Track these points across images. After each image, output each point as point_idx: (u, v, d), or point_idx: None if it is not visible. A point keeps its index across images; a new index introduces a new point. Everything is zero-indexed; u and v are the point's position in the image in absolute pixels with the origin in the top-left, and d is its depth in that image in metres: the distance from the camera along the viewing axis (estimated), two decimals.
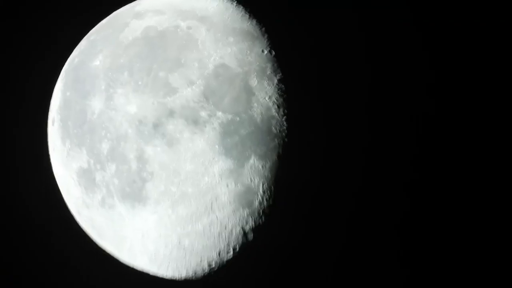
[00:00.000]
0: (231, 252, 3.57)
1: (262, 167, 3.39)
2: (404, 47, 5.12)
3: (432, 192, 5.17)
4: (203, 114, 3.34)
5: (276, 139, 3.41)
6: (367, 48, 4.34)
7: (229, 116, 3.36)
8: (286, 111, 3.46)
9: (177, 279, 3.85)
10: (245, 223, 3.46)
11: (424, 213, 5.17)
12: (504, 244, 5.22)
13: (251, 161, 3.38)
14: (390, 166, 4.48)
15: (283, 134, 3.43)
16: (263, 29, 3.68)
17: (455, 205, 5.21)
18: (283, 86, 3.49)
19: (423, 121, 5.15)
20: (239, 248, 3.55)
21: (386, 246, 4.93)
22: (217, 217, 3.41)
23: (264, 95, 3.43)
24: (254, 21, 3.71)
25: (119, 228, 3.62)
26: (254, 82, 3.44)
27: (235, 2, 3.87)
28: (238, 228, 3.47)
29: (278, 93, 3.47)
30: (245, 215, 3.44)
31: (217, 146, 3.33)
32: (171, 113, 3.37)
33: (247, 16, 3.75)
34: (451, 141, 5.25)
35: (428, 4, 5.42)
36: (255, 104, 3.40)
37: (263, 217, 3.47)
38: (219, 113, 3.35)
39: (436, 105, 5.26)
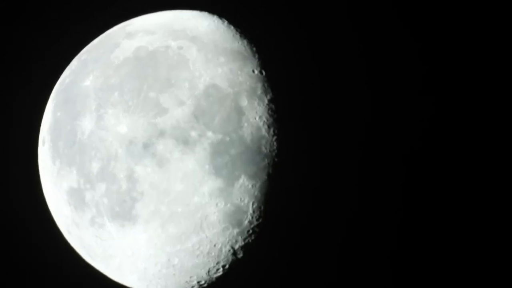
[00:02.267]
0: (221, 270, 3.60)
1: (252, 186, 3.38)
2: (396, 60, 5.19)
3: (428, 197, 5.17)
4: (194, 134, 3.31)
5: (266, 159, 3.39)
6: (358, 68, 4.40)
7: (219, 136, 3.33)
8: (276, 131, 3.45)
9: None
10: (234, 242, 3.46)
11: (421, 220, 5.17)
12: (500, 242, 5.18)
13: (241, 180, 3.36)
14: (383, 188, 4.63)
15: (273, 154, 3.41)
16: (254, 49, 3.68)
17: (451, 205, 5.21)
18: (273, 106, 3.48)
19: (417, 133, 5.21)
20: (229, 266, 3.57)
21: (379, 269, 5.01)
22: (206, 236, 3.39)
23: (255, 115, 3.42)
24: (245, 41, 3.71)
25: (108, 247, 3.61)
26: (244, 102, 3.43)
27: (226, 22, 3.86)
28: (228, 247, 3.47)
29: (268, 113, 3.46)
30: (235, 234, 3.43)
31: (207, 166, 3.30)
32: (161, 133, 3.34)
33: (238, 36, 3.74)
34: (444, 145, 5.26)
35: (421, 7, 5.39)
36: (246, 124, 3.39)
37: (252, 236, 3.47)
38: (210, 133, 3.32)
39: (428, 115, 5.27)
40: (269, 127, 3.41)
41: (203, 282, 3.67)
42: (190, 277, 3.61)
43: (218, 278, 3.66)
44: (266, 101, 3.45)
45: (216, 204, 3.33)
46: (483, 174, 5.32)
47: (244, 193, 3.38)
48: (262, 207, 3.43)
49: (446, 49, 5.49)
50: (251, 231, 3.45)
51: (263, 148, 3.39)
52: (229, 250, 3.48)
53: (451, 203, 5.29)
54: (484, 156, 5.32)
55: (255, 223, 3.44)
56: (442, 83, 5.48)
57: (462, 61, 5.45)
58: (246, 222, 3.42)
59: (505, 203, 5.23)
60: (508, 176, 5.25)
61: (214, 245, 3.43)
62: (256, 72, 3.54)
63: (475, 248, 5.27)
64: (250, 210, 3.41)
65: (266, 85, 3.52)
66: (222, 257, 3.51)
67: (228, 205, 3.35)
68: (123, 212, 3.40)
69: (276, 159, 3.41)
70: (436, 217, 5.30)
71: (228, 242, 3.45)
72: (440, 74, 5.48)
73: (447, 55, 5.48)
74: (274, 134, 3.42)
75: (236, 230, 3.42)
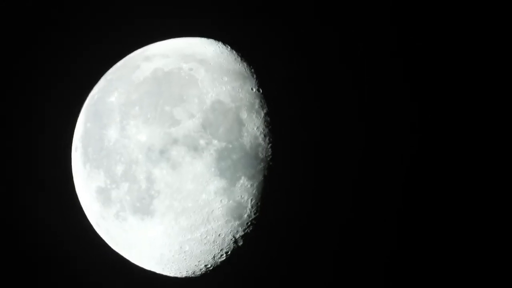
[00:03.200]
0: (224, 256, 3.88)
1: (251, 186, 3.67)
2: (383, 80, 5.17)
3: (424, 197, 5.14)
4: (202, 142, 3.59)
5: (262, 163, 3.69)
6: (344, 83, 4.51)
7: (223, 144, 3.60)
8: (271, 139, 3.73)
9: (179, 277, 4.15)
10: (235, 232, 3.75)
11: (415, 219, 5.14)
12: (495, 241, 5.11)
13: (241, 181, 3.64)
14: (370, 188, 4.78)
15: (268, 159, 3.70)
16: (252, 70, 3.95)
17: (449, 204, 5.15)
18: (268, 118, 3.77)
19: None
20: (231, 253, 3.86)
21: (373, 264, 5.05)
22: (212, 227, 3.69)
23: (253, 126, 3.69)
24: (245, 64, 3.98)
25: (130, 237, 3.91)
26: (244, 115, 3.70)
27: (229, 47, 4.11)
28: (230, 236, 3.77)
29: (264, 124, 3.74)
30: (236, 225, 3.72)
31: (213, 169, 3.58)
32: (175, 141, 3.60)
33: (239, 59, 4.01)
34: (440, 146, 5.21)
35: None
36: (245, 134, 3.66)
37: (251, 227, 3.77)
38: (215, 141, 3.60)
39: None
40: (265, 136, 3.70)
41: (209, 265, 3.91)
42: (199, 261, 3.89)
43: (222, 262, 3.91)
44: (262, 114, 3.75)
45: (221, 201, 3.63)
46: (478, 175, 5.18)
47: (244, 191, 3.66)
48: (259, 203, 3.72)
49: (440, 51, 5.28)
50: (249, 223, 3.75)
51: (260, 154, 3.68)
52: (231, 239, 3.79)
53: (449, 203, 5.18)
54: (478, 156, 5.19)
55: (253, 216, 3.74)
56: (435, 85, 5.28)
57: (458, 62, 5.24)
58: (245, 216, 3.72)
59: (500, 203, 5.09)
60: (502, 177, 5.10)
61: (219, 235, 3.73)
62: (254, 90, 3.83)
63: (471, 249, 5.14)
64: (249, 206, 3.70)
65: (262, 101, 3.80)
66: (225, 245, 3.80)
67: (231, 201, 3.66)
68: (143, 207, 3.70)
69: (270, 163, 3.71)
70: (433, 217, 5.21)
71: (230, 233, 3.75)
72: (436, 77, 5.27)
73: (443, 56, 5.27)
74: (269, 142, 3.71)
75: (237, 223, 3.72)
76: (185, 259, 3.89)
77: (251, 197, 3.70)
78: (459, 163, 5.22)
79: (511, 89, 5.26)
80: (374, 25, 5.24)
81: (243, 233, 3.78)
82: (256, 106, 3.75)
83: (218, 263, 3.93)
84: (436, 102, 5.29)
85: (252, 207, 3.71)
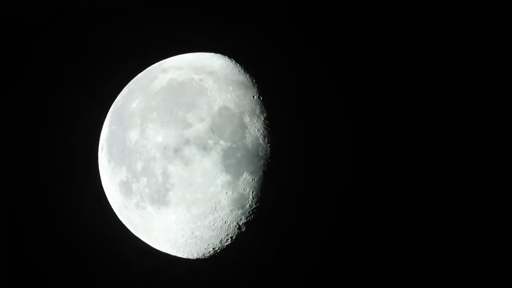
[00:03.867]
0: (229, 240, 4.00)
1: (252, 180, 3.81)
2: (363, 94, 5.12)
3: (421, 198, 5.08)
4: (210, 142, 3.75)
5: (262, 160, 3.83)
6: (327, 96, 4.52)
7: (229, 144, 3.76)
8: (269, 140, 3.87)
9: (190, 258, 4.27)
10: (239, 220, 3.90)
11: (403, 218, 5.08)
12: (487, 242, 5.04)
13: (244, 176, 3.79)
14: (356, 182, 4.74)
15: (267, 156, 3.84)
16: (254, 81, 4.09)
17: (446, 204, 5.08)
18: (268, 122, 3.90)
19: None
20: (235, 237, 3.99)
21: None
22: (219, 216, 3.85)
23: (254, 129, 3.83)
24: (247, 75, 4.12)
25: (149, 224, 4.06)
26: (247, 119, 3.85)
27: (234, 61, 4.26)
28: (234, 223, 3.91)
29: (264, 127, 3.87)
30: (239, 214, 3.87)
31: (219, 165, 3.74)
32: (187, 142, 3.76)
33: (242, 71, 4.15)
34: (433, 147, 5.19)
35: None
36: (248, 135, 3.81)
37: (252, 215, 3.91)
38: (222, 142, 3.75)
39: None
40: (264, 137, 3.84)
41: (217, 248, 4.06)
42: (208, 245, 4.04)
43: (227, 246, 4.03)
44: (262, 119, 3.89)
45: (226, 193, 3.79)
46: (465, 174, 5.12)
47: (246, 184, 3.81)
48: (259, 195, 3.86)
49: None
50: (251, 212, 3.89)
51: (260, 153, 3.83)
52: (235, 226, 3.92)
53: (447, 202, 5.13)
54: (476, 156, 5.14)
55: (254, 206, 3.88)
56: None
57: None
58: (247, 205, 3.86)
59: (487, 204, 5.06)
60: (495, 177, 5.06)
61: (225, 222, 3.88)
62: (255, 97, 3.97)
63: (466, 250, 5.07)
64: (251, 197, 3.84)
65: (262, 107, 3.93)
66: (230, 230, 3.94)
67: (235, 193, 3.80)
68: (159, 198, 3.85)
69: (269, 161, 3.85)
70: (430, 217, 5.14)
71: (234, 220, 3.89)
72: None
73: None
74: (268, 142, 3.85)
75: (240, 211, 3.86)
76: (196, 243, 4.02)
77: (252, 190, 3.83)
78: (458, 163, 5.19)
79: (507, 88, 5.16)
80: (372, 31, 5.16)
81: (245, 220, 3.90)
82: (257, 112, 3.89)
83: (224, 246, 4.04)
84: (435, 102, 5.23)
85: (253, 198, 3.85)
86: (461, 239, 5.15)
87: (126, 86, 4.42)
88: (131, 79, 4.47)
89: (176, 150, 3.76)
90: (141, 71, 4.47)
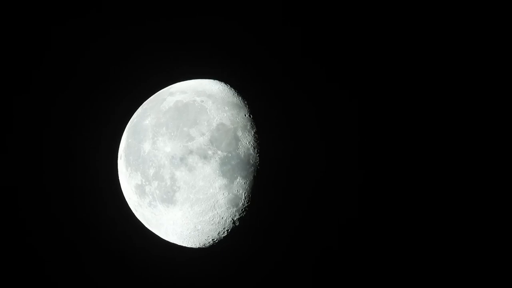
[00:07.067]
0: (226, 232, 4.19)
1: (244, 183, 4.02)
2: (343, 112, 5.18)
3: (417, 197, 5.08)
4: (210, 152, 3.94)
5: (252, 167, 4.04)
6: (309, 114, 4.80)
7: (225, 153, 3.96)
8: (258, 150, 4.08)
9: (194, 247, 4.42)
10: (234, 216, 4.09)
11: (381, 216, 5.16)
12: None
13: (238, 180, 3.99)
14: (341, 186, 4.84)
15: (257, 164, 4.06)
16: (245, 102, 4.32)
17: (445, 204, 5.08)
18: (257, 136, 4.11)
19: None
20: (231, 230, 4.17)
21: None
22: (217, 213, 4.03)
23: (246, 141, 4.04)
24: (240, 97, 4.34)
25: (159, 219, 4.22)
26: (240, 133, 4.04)
27: (229, 86, 4.45)
28: (230, 219, 4.10)
29: (254, 140, 4.08)
30: (234, 211, 4.06)
31: (217, 171, 3.95)
32: (190, 152, 3.94)
33: (236, 94, 4.37)
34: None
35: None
36: (240, 146, 4.01)
37: (244, 212, 4.10)
38: (219, 152, 3.95)
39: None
40: (254, 148, 4.06)
41: (215, 239, 4.24)
42: (208, 236, 4.22)
43: (224, 237, 4.21)
44: (252, 133, 4.10)
45: (223, 194, 3.99)
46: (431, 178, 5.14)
47: (240, 187, 4.00)
48: (250, 196, 4.06)
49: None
50: (243, 210, 4.08)
51: (251, 161, 4.04)
52: (231, 221, 4.10)
53: (445, 202, 5.16)
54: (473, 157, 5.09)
55: (246, 205, 4.08)
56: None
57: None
58: (240, 204, 4.06)
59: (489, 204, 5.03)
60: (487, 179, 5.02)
61: (222, 218, 4.07)
62: (246, 116, 4.18)
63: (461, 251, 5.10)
64: (243, 197, 4.04)
65: (252, 123, 4.14)
66: (227, 225, 4.12)
67: (230, 194, 4.00)
68: (168, 198, 4.02)
69: (258, 167, 4.06)
70: (426, 216, 5.21)
71: (230, 216, 4.07)
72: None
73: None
74: (258, 153, 4.07)
75: (234, 209, 4.05)
76: (198, 235, 4.18)
77: (245, 191, 4.02)
78: (457, 164, 5.12)
79: (502, 88, 5.02)
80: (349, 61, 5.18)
81: (239, 216, 4.09)
82: (248, 127, 4.09)
83: (222, 238, 4.21)
84: (434, 102, 5.15)
85: (245, 198, 4.04)
86: (448, 237, 5.15)
87: (141, 106, 4.60)
88: (145, 100, 4.64)
89: (182, 159, 3.94)
90: (153, 94, 4.64)
